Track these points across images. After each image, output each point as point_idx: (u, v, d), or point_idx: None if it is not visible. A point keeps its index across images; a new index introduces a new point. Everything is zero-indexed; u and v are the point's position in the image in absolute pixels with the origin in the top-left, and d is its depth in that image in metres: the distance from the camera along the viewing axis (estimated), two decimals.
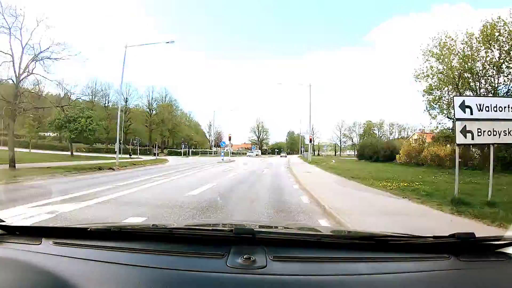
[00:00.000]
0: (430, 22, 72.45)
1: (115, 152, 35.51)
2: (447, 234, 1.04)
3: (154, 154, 46.16)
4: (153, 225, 1.29)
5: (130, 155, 35.88)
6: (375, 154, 26.71)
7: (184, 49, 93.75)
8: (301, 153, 66.60)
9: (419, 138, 23.22)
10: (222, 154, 27.98)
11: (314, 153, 65.87)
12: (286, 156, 63.13)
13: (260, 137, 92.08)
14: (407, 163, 22.64)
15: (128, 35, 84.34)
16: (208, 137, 78.37)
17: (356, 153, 73.93)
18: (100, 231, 1.18)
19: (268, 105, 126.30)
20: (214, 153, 61.06)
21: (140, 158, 29.85)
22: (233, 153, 74.99)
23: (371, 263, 0.99)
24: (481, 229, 3.90)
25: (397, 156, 24.50)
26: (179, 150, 50.94)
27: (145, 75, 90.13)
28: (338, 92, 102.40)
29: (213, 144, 72.17)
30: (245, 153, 65.65)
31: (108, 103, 61.58)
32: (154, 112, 60.66)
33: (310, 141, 27.35)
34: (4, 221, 1.21)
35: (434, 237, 1.06)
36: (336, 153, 79.63)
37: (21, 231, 1.23)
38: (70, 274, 0.87)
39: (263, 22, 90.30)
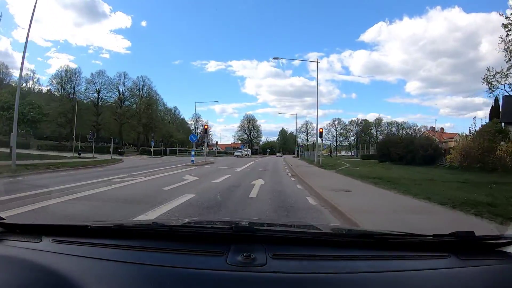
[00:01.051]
0: (421, 25, 70.81)
1: (79, 151, 27.59)
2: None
3: (120, 153, 37.77)
4: (153, 222, 1.30)
5: (79, 154, 27.51)
6: (408, 154, 19.18)
7: (171, 43, 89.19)
8: (296, 154, 59.04)
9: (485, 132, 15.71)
10: (192, 154, 19.09)
11: (308, 153, 59.09)
12: (281, 156, 57.44)
13: (251, 135, 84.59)
14: (466, 168, 15.21)
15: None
16: (197, 134, 70.43)
17: (355, 152, 69.52)
18: (100, 229, 1.17)
19: (260, 103, 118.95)
20: (197, 152, 52.63)
21: (95, 157, 22.27)
22: (219, 152, 67.05)
23: (371, 261, 0.97)
24: None
25: (448, 156, 17.04)
26: (157, 149, 43.08)
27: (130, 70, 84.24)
28: (333, 93, 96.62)
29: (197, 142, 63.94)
30: (233, 153, 57.14)
31: (73, 93, 52.65)
32: (126, 103, 51.52)
33: (320, 135, 18.19)
34: (4, 219, 1.18)
35: (434, 235, 1.04)
36: (332, 154, 72.54)
37: (21, 228, 1.19)
38: (70, 272, 0.85)
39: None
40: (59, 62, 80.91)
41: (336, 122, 75.81)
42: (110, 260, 0.93)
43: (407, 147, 19.52)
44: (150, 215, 4.18)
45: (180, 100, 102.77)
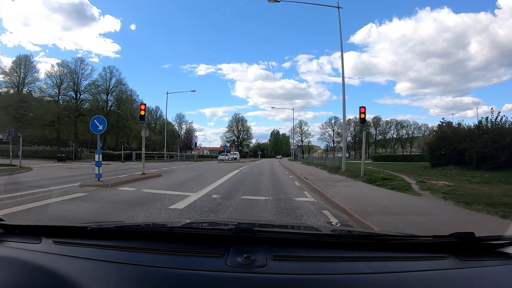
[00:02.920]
0: (411, 26, 67.14)
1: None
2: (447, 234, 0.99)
3: (60, 158, 27.88)
4: (153, 224, 1.29)
5: None
6: (501, 152, 11.32)
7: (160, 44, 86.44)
8: (293, 156, 51.01)
9: None
10: (97, 161, 8.38)
11: (303, 155, 51.75)
12: (281, 158, 51.31)
13: (240, 137, 76.00)
14: None
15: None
16: (180, 136, 61.55)
17: (352, 154, 62.41)
18: (100, 230, 1.15)
19: (251, 106, 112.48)
20: (176, 156, 43.73)
21: (13, 165, 15.46)
22: (201, 156, 57.86)
23: (371, 262, 0.96)
24: None
25: None
26: (119, 152, 34.39)
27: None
28: (323, 94, 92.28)
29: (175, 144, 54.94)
30: (217, 157, 48.08)
31: (22, 86, 42.98)
32: (85, 95, 42.03)
33: (362, 122, 10.28)
34: (4, 220, 1.17)
35: (434, 236, 1.03)
36: (328, 155, 64.97)
37: (20, 230, 1.18)
38: (70, 273, 0.84)
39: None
40: (48, 66, 77.15)
41: (333, 121, 68.76)
42: (109, 261, 0.92)
43: (497, 141, 11.61)
44: None
45: (169, 103, 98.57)
